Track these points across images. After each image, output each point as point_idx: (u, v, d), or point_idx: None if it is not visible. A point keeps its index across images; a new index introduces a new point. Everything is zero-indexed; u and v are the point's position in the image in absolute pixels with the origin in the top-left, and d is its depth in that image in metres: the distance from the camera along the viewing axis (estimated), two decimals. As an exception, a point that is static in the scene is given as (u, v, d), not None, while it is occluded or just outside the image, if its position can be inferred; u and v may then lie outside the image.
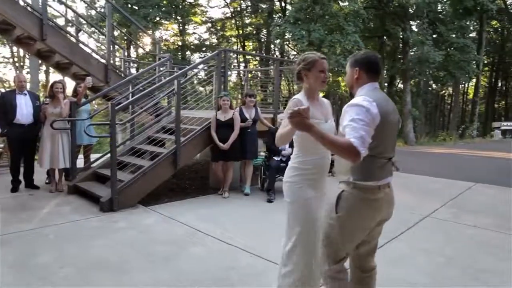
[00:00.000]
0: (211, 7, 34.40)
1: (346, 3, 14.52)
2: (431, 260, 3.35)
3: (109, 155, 5.63)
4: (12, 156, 5.27)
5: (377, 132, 1.74)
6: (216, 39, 25.94)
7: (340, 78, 18.67)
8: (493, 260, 3.37)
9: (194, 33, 26.12)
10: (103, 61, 6.14)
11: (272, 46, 21.25)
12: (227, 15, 25.95)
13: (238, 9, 24.84)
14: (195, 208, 4.72)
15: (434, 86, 31.77)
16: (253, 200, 5.34)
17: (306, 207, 2.18)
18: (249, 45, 27.14)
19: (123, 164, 5.09)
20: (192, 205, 4.87)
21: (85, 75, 5.87)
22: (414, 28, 19.36)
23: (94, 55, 6.15)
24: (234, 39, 27.22)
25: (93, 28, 11.84)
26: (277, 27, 14.64)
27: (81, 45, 6.04)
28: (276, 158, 5.61)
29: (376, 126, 1.74)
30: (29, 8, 5.36)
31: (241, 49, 25.87)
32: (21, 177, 5.33)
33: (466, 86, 34.12)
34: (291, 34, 13.81)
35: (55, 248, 3.34)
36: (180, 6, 21.86)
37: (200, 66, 6.18)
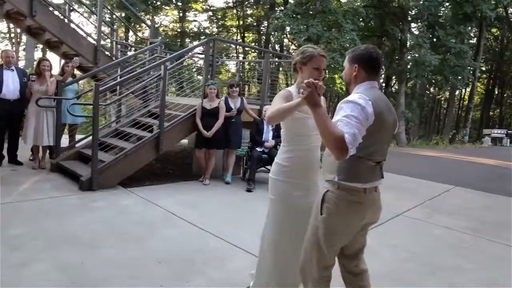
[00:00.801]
0: (213, -4, 34.16)
1: (346, 0, 14.50)
2: (396, 255, 3.47)
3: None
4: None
5: (369, 132, 1.67)
6: (216, 28, 25.78)
7: (336, 76, 18.76)
8: (454, 258, 3.50)
9: (195, 20, 26.02)
10: (93, 42, 6.15)
11: (272, 38, 21.16)
12: (229, 4, 25.83)
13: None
14: (174, 193, 4.79)
15: (432, 90, 31.96)
16: (233, 188, 5.43)
17: (288, 206, 2.11)
18: (249, 36, 27.06)
19: (107, 146, 5.14)
20: (171, 190, 4.94)
21: (74, 55, 5.88)
22: (413, 30, 19.43)
23: (85, 36, 6.13)
24: (234, 29, 27.13)
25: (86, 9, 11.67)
26: (276, 20, 14.63)
27: (72, 24, 6.04)
28: (258, 149, 5.69)
29: (369, 126, 1.67)
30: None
31: (240, 40, 25.80)
32: (5, 153, 5.38)
33: (464, 91, 34.34)
34: (289, 27, 13.81)
35: (30, 222, 3.41)
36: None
37: (191, 53, 6.23)
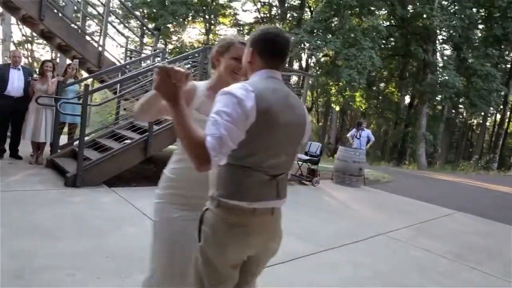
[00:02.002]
0: (243, 11, 34.94)
1: (367, 18, 14.43)
2: (357, 273, 3.37)
3: (93, 135, 5.95)
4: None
5: (253, 134, 1.28)
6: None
7: (357, 94, 18.57)
8: (420, 281, 3.35)
9: (221, 34, 26.62)
10: (97, 47, 6.47)
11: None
12: (258, 19, 26.32)
13: (268, 15, 25.10)
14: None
15: (464, 114, 30.85)
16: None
17: (169, 229, 1.65)
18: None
19: (99, 146, 5.34)
20: (154, 193, 5.04)
21: (82, 58, 6.20)
22: (439, 50, 18.99)
23: (91, 41, 6.49)
24: (261, 44, 27.50)
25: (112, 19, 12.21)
26: (294, 35, 14.78)
27: (78, 29, 6.38)
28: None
29: (251, 127, 1.27)
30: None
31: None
32: (8, 147, 5.69)
33: (499, 117, 32.87)
34: (308, 43, 13.89)
35: (2, 211, 3.57)
36: (210, 7, 22.40)
37: (186, 60, 6.42)
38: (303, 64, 24.04)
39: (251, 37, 1.45)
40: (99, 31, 15.43)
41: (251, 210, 1.35)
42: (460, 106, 25.43)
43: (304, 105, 1.56)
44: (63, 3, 16.41)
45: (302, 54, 20.20)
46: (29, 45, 25.42)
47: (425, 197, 7.72)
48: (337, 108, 19.13)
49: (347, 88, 14.98)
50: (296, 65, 25.60)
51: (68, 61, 7.20)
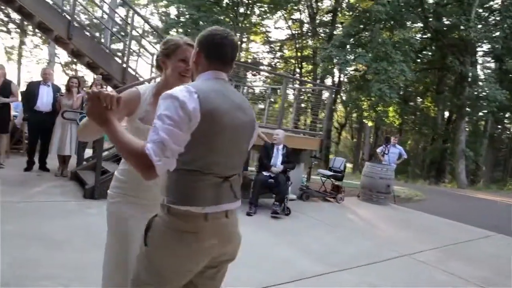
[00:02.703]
0: (275, 28, 35.40)
1: (398, 31, 14.04)
2: (371, 296, 3.13)
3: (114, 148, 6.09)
4: (29, 139, 5.92)
5: (198, 137, 1.26)
6: (272, 58, 26.51)
7: (390, 109, 18.00)
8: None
9: (254, 52, 27.04)
10: (124, 65, 6.72)
11: (319, 69, 21.12)
12: (288, 36, 26.52)
13: (298, 31, 25.23)
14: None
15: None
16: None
17: (119, 228, 1.64)
18: (306, 67, 27.33)
19: (119, 159, 5.45)
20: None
21: (107, 75, 6.45)
22: (480, 62, 18.09)
23: (115, 58, 6.76)
24: (293, 60, 27.64)
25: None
26: (323, 51, 14.65)
27: (103, 47, 6.68)
28: (264, 173, 5.61)
29: (196, 129, 1.25)
30: (60, 11, 6.10)
31: (298, 70, 26.16)
32: (37, 160, 5.96)
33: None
34: (336, 58, 13.72)
35: (20, 220, 3.69)
36: (241, 24, 22.88)
37: None
38: (336, 79, 23.83)
39: (198, 38, 1.42)
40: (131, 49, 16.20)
41: (203, 215, 1.31)
42: (506, 121, 23.94)
43: (251, 107, 1.50)
44: (88, 21, 17.40)
45: (335, 70, 20.05)
46: (74, 65, 27.07)
47: (460, 217, 7.20)
48: (370, 124, 18.60)
49: (380, 103, 14.56)
50: (329, 81, 25.42)
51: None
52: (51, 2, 5.97)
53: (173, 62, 1.62)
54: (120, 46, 17.21)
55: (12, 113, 6.40)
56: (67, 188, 5.18)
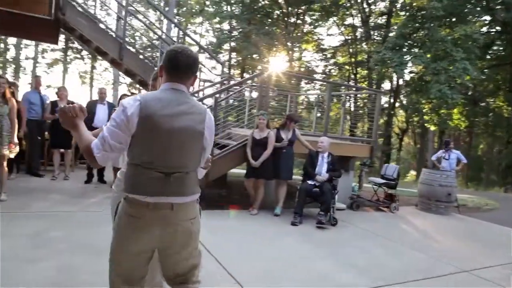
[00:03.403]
0: (328, 35, 34.92)
1: (459, 27, 12.99)
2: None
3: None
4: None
5: (137, 137, 1.54)
6: (324, 66, 26.09)
7: (455, 111, 16.69)
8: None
9: (307, 61, 26.83)
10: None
11: (373, 74, 20.26)
12: (341, 42, 25.97)
13: (351, 36, 24.59)
14: (210, 218, 4.89)
15: None
16: (276, 221, 5.27)
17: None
18: (361, 72, 26.48)
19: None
20: (211, 215, 5.05)
21: (157, 91, 6.80)
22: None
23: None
24: (347, 67, 26.98)
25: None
26: (376, 54, 14.05)
27: (152, 66, 7.05)
28: (309, 182, 5.46)
29: (136, 130, 1.52)
30: (114, 34, 6.60)
31: (352, 76, 25.44)
32: (95, 172, 6.43)
33: None
34: (390, 60, 13.07)
35: (73, 228, 3.98)
36: (292, 34, 22.90)
37: (245, 85, 6.54)
38: (394, 83, 22.72)
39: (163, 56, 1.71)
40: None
41: (146, 204, 1.56)
42: None
43: (207, 115, 1.70)
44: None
45: (394, 74, 19.11)
46: (137, 85, 28.99)
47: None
48: (432, 128, 17.36)
49: (443, 106, 13.53)
50: (387, 85, 24.32)
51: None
52: (103, 26, 6.48)
53: (158, 82, 1.87)
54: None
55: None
56: (119, 199, 5.49)
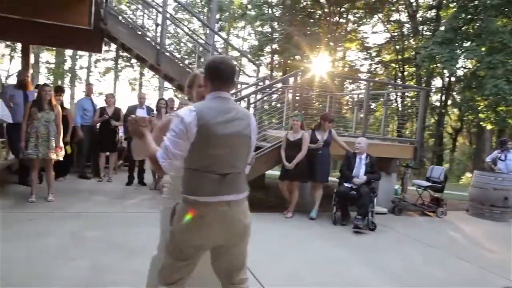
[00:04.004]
0: (373, 33, 33.77)
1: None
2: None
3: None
4: (129, 157, 6.66)
5: (195, 144, 1.67)
6: (369, 64, 25.21)
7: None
8: None
9: (351, 61, 26.10)
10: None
11: (420, 71, 19.12)
12: (387, 39, 24.97)
13: (397, 33, 23.55)
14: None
15: None
16: (311, 224, 5.12)
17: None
18: (409, 69, 25.24)
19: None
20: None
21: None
22: None
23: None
24: (393, 64, 25.88)
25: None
26: (423, 49, 13.27)
27: (189, 70, 7.18)
28: (346, 185, 5.26)
29: (195, 138, 1.66)
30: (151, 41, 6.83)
31: (399, 74, 24.34)
32: (136, 175, 6.68)
33: None
34: (438, 56, 12.28)
35: (106, 228, 4.13)
36: (334, 34, 22.41)
37: (279, 87, 6.43)
38: (446, 80, 21.38)
39: (204, 66, 1.86)
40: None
41: (206, 203, 1.72)
42: None
43: (251, 119, 1.87)
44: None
45: (444, 70, 17.96)
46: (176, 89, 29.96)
47: None
48: (489, 127, 16.08)
49: (502, 102, 12.45)
50: (438, 82, 22.95)
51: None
52: (141, 33, 6.74)
53: (195, 89, 2.06)
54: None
55: (120, 135, 7.30)
56: (157, 200, 5.62)
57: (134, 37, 6.58)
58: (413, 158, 6.54)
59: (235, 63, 1.94)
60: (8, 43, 17.78)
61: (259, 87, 6.44)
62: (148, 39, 6.88)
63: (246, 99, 5.36)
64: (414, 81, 22.10)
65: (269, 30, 23.41)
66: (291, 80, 5.70)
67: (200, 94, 1.99)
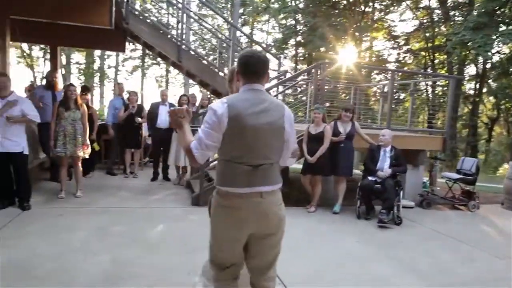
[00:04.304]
0: (401, 21, 32.58)
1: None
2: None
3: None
4: (153, 153, 6.79)
5: (228, 135, 1.70)
6: (397, 54, 24.38)
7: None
8: None
9: (377, 51, 25.35)
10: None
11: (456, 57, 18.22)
12: (416, 27, 24.03)
13: (426, 20, 22.60)
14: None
15: None
16: (334, 219, 5.02)
17: None
18: (440, 57, 24.21)
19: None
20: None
21: (216, 90, 6.95)
22: None
23: (219, 73, 7.26)
24: (423, 53, 24.91)
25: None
26: (454, 36, 12.65)
27: (210, 66, 7.21)
28: (370, 178, 5.12)
29: (226, 129, 1.69)
30: (173, 39, 6.88)
31: (429, 63, 23.40)
32: (161, 171, 6.80)
33: None
34: (470, 42, 11.68)
35: (132, 223, 4.23)
36: (361, 23, 21.81)
37: (299, 79, 6.29)
38: (480, 66, 20.32)
39: (236, 63, 1.89)
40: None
41: (239, 195, 1.74)
42: None
43: (285, 110, 1.86)
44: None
45: (478, 57, 17.07)
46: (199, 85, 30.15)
47: None
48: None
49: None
50: (472, 70, 21.85)
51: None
52: (163, 31, 6.82)
53: (234, 83, 2.07)
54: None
55: (144, 132, 7.43)
56: (180, 196, 5.72)
57: (155, 35, 6.66)
58: (442, 149, 6.26)
59: (266, 56, 1.87)
60: (42, 46, 18.53)
61: (280, 81, 6.34)
62: (169, 36, 6.93)
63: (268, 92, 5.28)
64: (445, 69, 21.18)
65: (293, 22, 23.10)
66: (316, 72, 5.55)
67: (238, 88, 2.02)
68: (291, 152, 1.94)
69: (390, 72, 6.12)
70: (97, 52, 22.61)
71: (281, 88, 6.43)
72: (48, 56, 21.55)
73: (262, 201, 1.76)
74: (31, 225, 3.90)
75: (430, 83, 20.21)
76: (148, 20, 6.98)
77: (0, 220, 3.97)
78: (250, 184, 1.74)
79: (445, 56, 21.35)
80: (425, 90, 21.72)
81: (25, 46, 20.00)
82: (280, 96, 6.46)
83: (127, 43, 7.38)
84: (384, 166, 5.12)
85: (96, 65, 24.04)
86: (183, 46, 6.35)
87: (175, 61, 6.77)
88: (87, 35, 6.39)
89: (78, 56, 23.83)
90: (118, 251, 3.39)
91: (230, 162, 1.74)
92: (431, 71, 20.80)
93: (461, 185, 6.16)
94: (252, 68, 1.80)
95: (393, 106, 8.19)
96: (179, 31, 6.64)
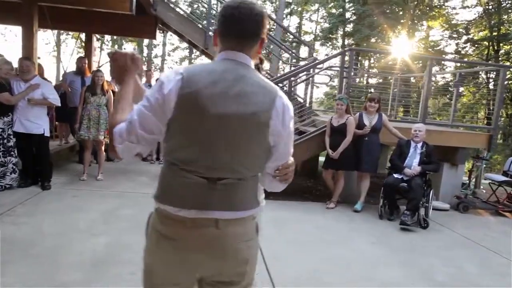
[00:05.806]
0: (463, 7, 30.10)
1: None
2: None
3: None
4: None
5: (175, 125, 1.09)
6: (456, 44, 22.55)
7: None
8: None
9: (434, 41, 23.62)
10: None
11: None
12: (478, 14, 22.01)
13: (491, 6, 20.58)
14: (279, 209, 4.62)
15: None
16: (354, 217, 4.69)
17: None
18: (505, 47, 21.99)
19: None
20: (284, 207, 4.78)
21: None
22: None
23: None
24: (486, 42, 22.78)
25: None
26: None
27: None
28: (395, 176, 4.72)
29: (173, 115, 1.07)
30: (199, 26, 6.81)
31: (492, 53, 21.37)
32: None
33: None
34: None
35: (139, 208, 4.18)
36: (415, 11, 20.41)
37: (325, 67, 5.90)
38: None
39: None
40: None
41: (182, 220, 1.13)
42: None
43: (276, 98, 1.16)
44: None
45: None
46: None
47: None
48: None
49: None
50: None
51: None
52: (187, 18, 6.78)
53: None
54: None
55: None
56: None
57: (183, 22, 6.63)
58: (487, 148, 5.62)
59: (262, 9, 1.16)
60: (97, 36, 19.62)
61: (300, 68, 6.03)
62: (196, 23, 6.89)
63: (286, 81, 5.04)
64: (511, 61, 19.21)
65: (341, 11, 22.21)
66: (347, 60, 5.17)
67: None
68: (280, 167, 1.21)
69: (428, 61, 5.54)
70: (145, 42, 23.46)
71: (304, 77, 6.13)
72: (101, 45, 22.91)
73: (217, 233, 1.14)
74: (45, 204, 4.06)
75: (492, 75, 18.48)
76: (175, 7, 6.94)
77: (19, 197, 4.18)
78: (201, 205, 1.12)
79: (510, 46, 19.35)
80: (485, 83, 19.94)
81: (82, 36, 21.36)
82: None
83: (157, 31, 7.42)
84: (413, 163, 4.69)
85: (144, 54, 25.02)
86: (210, 33, 6.25)
87: (203, 49, 6.72)
88: (120, 23, 6.54)
89: (129, 47, 24.91)
90: (118, 235, 3.40)
91: (175, 168, 1.12)
92: (494, 62, 18.94)
93: (507, 188, 5.50)
94: (237, 26, 1.14)
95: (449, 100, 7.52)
96: (208, 18, 6.54)
